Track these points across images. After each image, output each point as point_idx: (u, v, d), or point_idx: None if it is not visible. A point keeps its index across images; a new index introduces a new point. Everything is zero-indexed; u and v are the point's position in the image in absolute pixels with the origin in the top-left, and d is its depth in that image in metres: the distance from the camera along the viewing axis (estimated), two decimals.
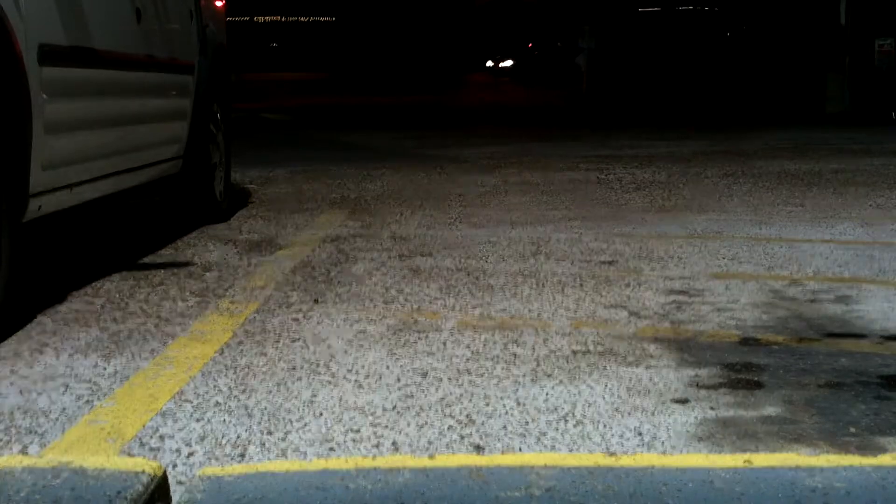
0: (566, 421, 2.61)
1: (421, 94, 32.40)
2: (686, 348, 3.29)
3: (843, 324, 3.60)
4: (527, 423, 2.60)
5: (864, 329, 3.53)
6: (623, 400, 2.77)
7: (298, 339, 3.44)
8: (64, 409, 2.73)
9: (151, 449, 2.43)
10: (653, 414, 2.66)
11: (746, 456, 2.18)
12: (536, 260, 4.86)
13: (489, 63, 50.27)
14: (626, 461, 2.11)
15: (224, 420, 2.63)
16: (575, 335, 3.46)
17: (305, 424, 2.59)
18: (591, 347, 3.30)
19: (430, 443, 2.47)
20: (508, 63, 48.58)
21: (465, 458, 2.23)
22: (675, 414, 2.65)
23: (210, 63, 6.20)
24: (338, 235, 5.67)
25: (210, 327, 3.61)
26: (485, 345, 3.34)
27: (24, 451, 2.42)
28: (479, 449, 2.42)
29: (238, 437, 2.51)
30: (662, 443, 2.45)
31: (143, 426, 2.59)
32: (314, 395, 2.82)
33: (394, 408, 2.72)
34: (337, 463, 2.12)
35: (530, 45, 46.65)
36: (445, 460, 2.18)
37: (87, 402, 2.79)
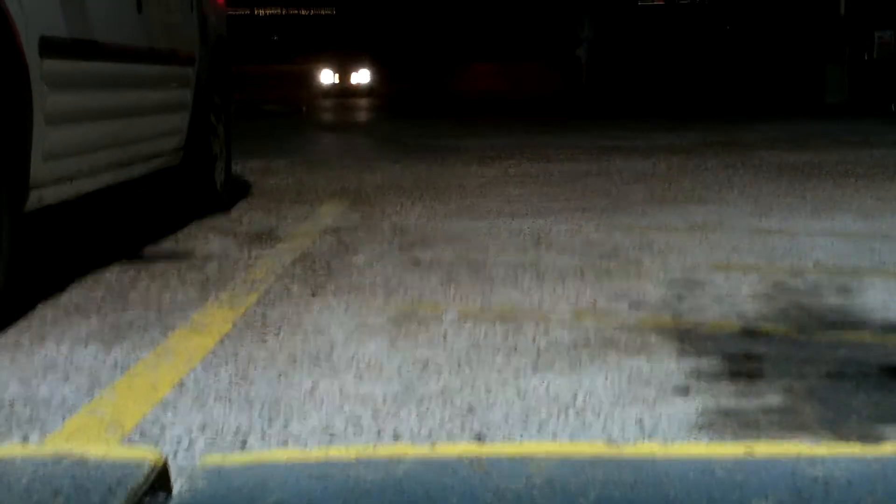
0: (567, 411, 2.61)
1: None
2: (687, 339, 3.29)
3: (843, 314, 3.60)
4: (528, 412, 2.60)
5: (865, 320, 3.52)
6: (624, 390, 2.77)
7: (299, 330, 3.44)
8: (64, 398, 2.73)
9: (152, 439, 2.43)
10: (654, 404, 2.66)
11: (748, 445, 2.19)
12: (537, 251, 4.86)
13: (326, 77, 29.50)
14: (627, 451, 2.11)
15: (225, 410, 2.63)
16: (576, 326, 3.46)
17: (306, 414, 2.59)
18: (592, 338, 3.30)
19: (430, 432, 2.47)
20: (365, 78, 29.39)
21: (466, 448, 2.23)
22: (676, 404, 2.65)
23: (211, 54, 6.19)
24: (338, 227, 5.67)
25: (210, 318, 3.61)
26: (485, 335, 3.34)
27: (24, 441, 2.42)
28: (480, 438, 2.42)
29: (239, 426, 2.51)
30: (663, 432, 2.45)
31: (144, 416, 2.59)
32: (315, 386, 2.82)
33: (395, 398, 2.72)
34: (338, 452, 2.12)
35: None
36: (446, 450, 2.18)
37: (88, 392, 2.79)
